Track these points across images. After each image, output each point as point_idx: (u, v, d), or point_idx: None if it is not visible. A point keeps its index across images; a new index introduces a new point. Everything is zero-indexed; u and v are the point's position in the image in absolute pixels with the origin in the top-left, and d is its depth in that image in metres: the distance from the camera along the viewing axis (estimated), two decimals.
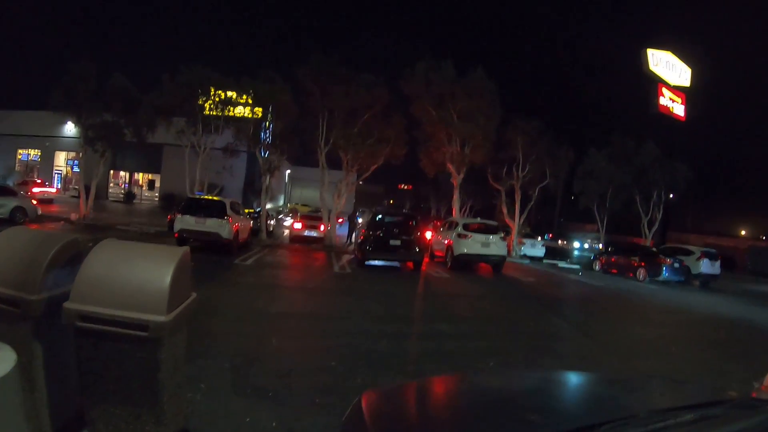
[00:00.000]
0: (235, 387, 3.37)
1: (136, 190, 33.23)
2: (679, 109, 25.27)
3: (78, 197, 18.13)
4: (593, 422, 0.93)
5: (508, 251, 17.27)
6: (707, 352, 6.22)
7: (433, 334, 5.68)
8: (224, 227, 11.33)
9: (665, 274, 14.97)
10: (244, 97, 17.50)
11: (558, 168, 20.74)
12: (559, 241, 38.53)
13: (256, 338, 4.72)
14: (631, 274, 15.93)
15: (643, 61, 23.89)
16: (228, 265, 10.06)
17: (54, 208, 19.08)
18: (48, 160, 33.17)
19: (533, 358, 5.00)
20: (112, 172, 32.08)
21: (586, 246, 35.61)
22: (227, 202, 12.14)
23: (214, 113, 17.12)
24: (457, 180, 19.33)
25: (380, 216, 12.89)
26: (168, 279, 1.61)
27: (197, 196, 13.90)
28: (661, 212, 21.63)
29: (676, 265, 15.20)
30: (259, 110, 17.76)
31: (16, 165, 32.40)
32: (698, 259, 16.06)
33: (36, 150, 33.24)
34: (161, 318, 1.57)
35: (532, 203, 22.03)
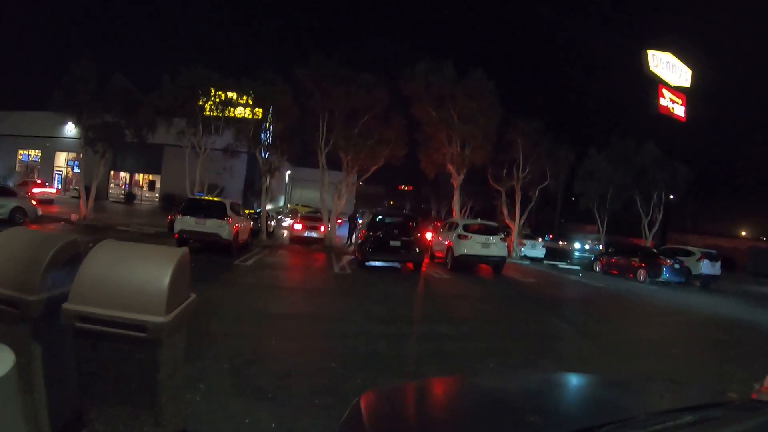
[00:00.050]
0: (234, 388, 3.36)
1: (136, 190, 33.24)
2: (679, 110, 25.27)
3: (78, 198, 18.13)
4: (592, 424, 0.93)
5: (509, 252, 17.26)
6: (707, 353, 6.21)
7: (433, 335, 5.67)
8: (224, 228, 11.33)
9: (665, 275, 14.96)
10: (245, 97, 17.52)
11: (558, 169, 20.74)
12: (560, 242, 38.52)
13: (255, 339, 4.72)
14: (632, 275, 15.92)
15: (643, 61, 23.89)
16: (228, 265, 10.06)
17: (54, 209, 19.09)
18: (48, 160, 33.19)
19: (533, 360, 4.99)
20: (112, 172, 32.08)
21: (587, 247, 35.61)
22: (227, 202, 12.15)
23: (215, 114, 17.14)
24: (457, 181, 19.33)
25: (380, 217, 12.89)
26: (167, 280, 1.61)
27: (197, 197, 13.92)
28: (661, 213, 21.63)
29: (677, 266, 15.18)
30: (259, 111, 17.78)
31: (17, 165, 32.40)
32: (699, 260, 16.05)
33: (36, 150, 33.26)
34: (160, 319, 1.57)
35: (532, 204, 22.03)
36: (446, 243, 13.47)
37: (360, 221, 18.71)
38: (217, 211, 11.51)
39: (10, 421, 1.09)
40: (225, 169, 17.97)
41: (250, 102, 17.58)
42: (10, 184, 18.82)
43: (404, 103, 18.35)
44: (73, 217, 16.36)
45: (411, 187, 57.97)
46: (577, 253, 31.40)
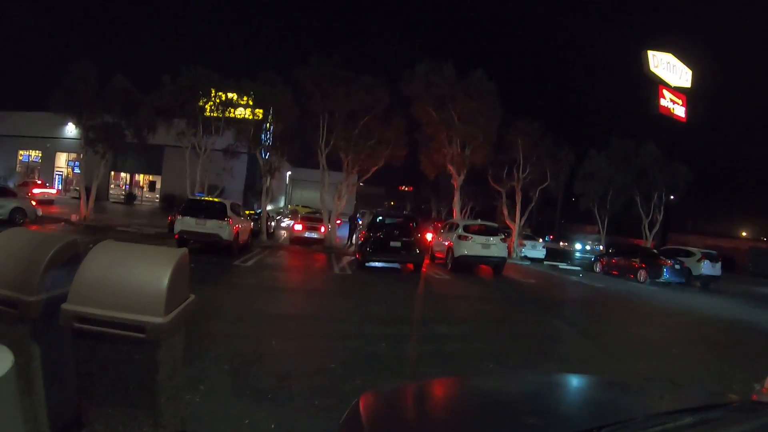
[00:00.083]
0: (234, 389, 3.36)
1: (136, 191, 33.24)
2: (679, 111, 25.27)
3: (79, 198, 18.14)
4: (592, 426, 0.92)
5: (509, 253, 17.25)
6: (708, 353, 6.21)
7: (433, 336, 5.67)
8: (225, 229, 11.33)
9: (666, 275, 14.95)
10: (245, 98, 17.54)
11: (558, 169, 20.72)
12: (560, 243, 38.53)
13: (255, 340, 4.71)
14: (632, 276, 15.91)
15: (643, 62, 23.89)
16: (228, 266, 10.06)
17: (54, 209, 19.10)
18: (49, 161, 33.21)
19: (533, 361, 4.99)
20: (112, 173, 32.07)
21: (587, 247, 35.60)
22: (228, 203, 12.15)
23: (215, 115, 17.16)
24: (457, 181, 19.33)
25: (381, 217, 12.88)
26: (165, 280, 1.61)
27: (198, 198, 13.91)
28: (661, 213, 21.62)
29: (677, 266, 15.17)
30: (259, 112, 17.80)
31: (17, 166, 32.42)
32: (699, 260, 16.04)
33: (37, 151, 33.28)
34: (159, 320, 1.57)
35: (532, 205, 22.02)
36: (446, 244, 13.47)
37: (360, 222, 18.71)
38: (217, 211, 11.52)
39: (9, 421, 1.08)
40: (225, 169, 17.97)
41: (251, 103, 17.59)
42: (11, 184, 18.85)
43: (404, 104, 18.38)
44: (74, 217, 16.37)
45: (411, 188, 57.91)
46: (577, 254, 31.39)
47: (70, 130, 24.51)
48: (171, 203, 24.72)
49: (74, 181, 30.53)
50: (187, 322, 1.80)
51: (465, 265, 12.93)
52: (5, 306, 1.71)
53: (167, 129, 17.09)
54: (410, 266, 12.28)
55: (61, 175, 33.84)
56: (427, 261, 13.36)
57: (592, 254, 27.33)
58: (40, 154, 33.28)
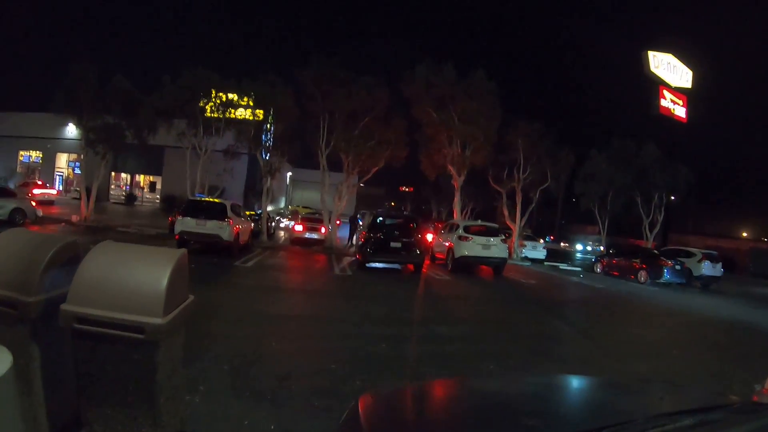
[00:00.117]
0: (234, 389, 3.36)
1: (137, 192, 33.27)
2: (680, 111, 25.29)
3: (79, 199, 18.16)
4: (592, 427, 0.92)
5: (509, 253, 17.24)
6: (708, 354, 6.20)
7: (433, 337, 5.66)
8: (225, 229, 11.34)
9: (666, 276, 14.93)
10: (245, 99, 17.55)
11: (559, 170, 20.73)
12: (561, 244, 38.51)
13: (255, 340, 4.71)
14: (633, 276, 15.90)
15: (644, 62, 23.93)
16: (228, 267, 10.06)
17: (55, 210, 19.12)
18: (49, 161, 33.25)
19: (534, 361, 4.98)
20: (113, 173, 32.12)
21: (588, 248, 35.58)
22: (228, 204, 12.16)
23: (215, 115, 17.17)
24: (458, 182, 19.33)
25: (381, 218, 12.87)
26: (165, 281, 1.60)
27: (198, 198, 13.91)
28: (662, 214, 21.61)
29: (678, 267, 15.16)
30: (260, 112, 17.81)
31: (18, 167, 32.45)
32: (700, 261, 16.02)
33: (37, 152, 33.32)
34: (158, 320, 1.57)
35: (533, 205, 22.01)
36: (447, 244, 13.46)
37: (360, 223, 18.71)
38: (217, 212, 11.52)
39: (9, 421, 1.08)
40: (226, 170, 17.99)
41: (251, 103, 17.60)
42: (11, 185, 18.85)
43: (405, 105, 18.40)
44: (74, 218, 16.39)
45: (412, 189, 57.90)
46: (578, 255, 31.37)
47: (71, 130, 24.52)
48: (171, 204, 24.72)
49: (75, 182, 30.57)
50: (187, 323, 1.80)
51: (465, 266, 12.92)
52: (5, 306, 1.71)
53: (168, 130, 17.11)
54: (410, 267, 12.28)
55: (62, 175, 33.88)
56: (427, 262, 13.36)
57: (593, 255, 27.32)
58: (41, 155, 33.33)
